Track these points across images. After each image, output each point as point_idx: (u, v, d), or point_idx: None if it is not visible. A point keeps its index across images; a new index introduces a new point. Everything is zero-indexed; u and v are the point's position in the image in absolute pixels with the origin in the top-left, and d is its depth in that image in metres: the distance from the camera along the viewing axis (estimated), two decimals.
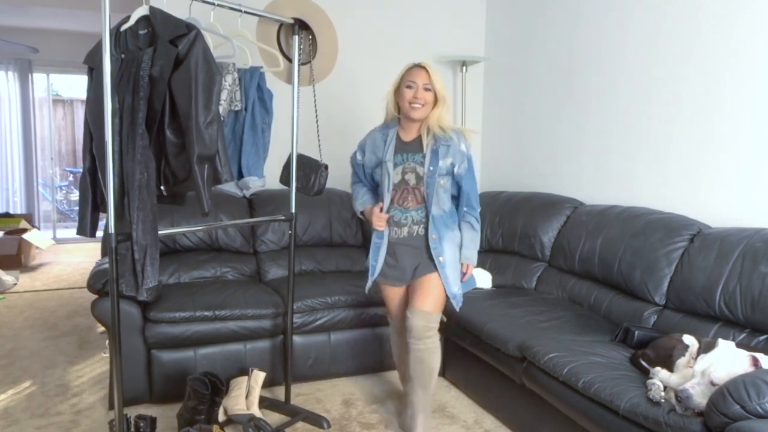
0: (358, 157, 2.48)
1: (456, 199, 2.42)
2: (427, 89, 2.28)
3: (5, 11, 5.86)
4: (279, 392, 2.81)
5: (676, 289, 2.43)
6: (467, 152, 2.35)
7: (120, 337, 2.03)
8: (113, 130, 1.86)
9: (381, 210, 2.36)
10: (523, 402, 2.45)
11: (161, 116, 1.96)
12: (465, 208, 2.39)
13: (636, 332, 2.30)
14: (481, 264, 3.38)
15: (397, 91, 2.34)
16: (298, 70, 2.61)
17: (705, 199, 2.64)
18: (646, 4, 2.93)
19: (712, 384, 1.68)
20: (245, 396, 2.53)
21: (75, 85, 8.60)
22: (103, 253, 3.11)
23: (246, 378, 2.60)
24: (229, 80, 2.59)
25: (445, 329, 2.87)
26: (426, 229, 2.34)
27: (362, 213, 2.51)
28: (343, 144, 3.29)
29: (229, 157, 2.27)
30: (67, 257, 6.26)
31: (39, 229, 6.51)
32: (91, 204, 2.09)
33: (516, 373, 2.43)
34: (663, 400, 1.80)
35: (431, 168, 2.29)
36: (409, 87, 2.28)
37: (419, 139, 2.35)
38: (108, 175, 1.87)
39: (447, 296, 2.35)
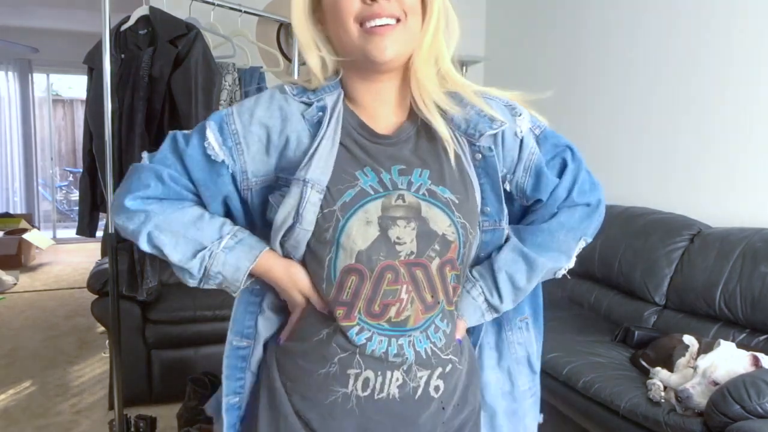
0: (213, 143, 0.87)
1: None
2: None
3: (5, 11, 5.86)
4: None
5: (676, 289, 2.42)
6: (535, 126, 0.99)
7: (120, 337, 2.03)
8: (113, 130, 1.86)
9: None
10: None
11: (161, 116, 1.96)
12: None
13: (636, 332, 2.30)
14: None
15: (319, 5, 0.87)
16: (298, 70, 2.61)
17: (705, 199, 2.64)
18: (648, 4, 2.93)
19: (713, 384, 1.68)
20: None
21: (75, 85, 8.59)
22: (103, 253, 3.11)
23: None
24: (229, 80, 2.59)
25: None
26: (462, 376, 0.91)
27: (250, 276, 0.89)
28: None
29: None
30: (67, 257, 6.26)
31: (39, 229, 6.51)
32: (91, 204, 2.09)
33: None
34: (663, 400, 1.80)
35: (488, 209, 0.91)
36: None
37: (413, 122, 0.90)
38: (108, 175, 1.87)
39: None
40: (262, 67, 2.78)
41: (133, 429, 2.21)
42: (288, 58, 2.69)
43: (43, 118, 7.51)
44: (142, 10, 2.01)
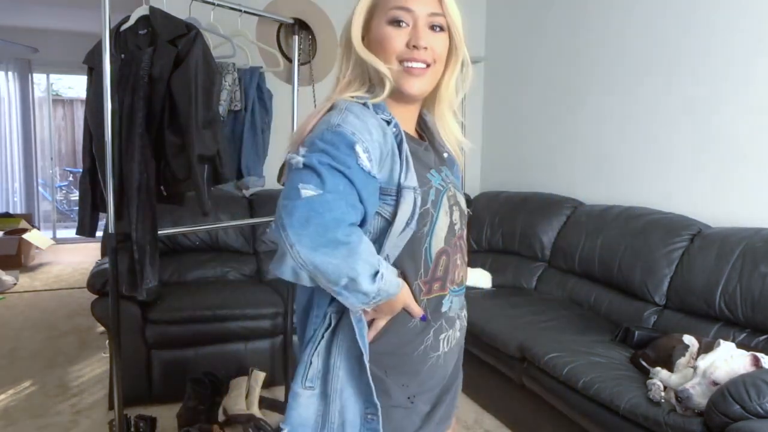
0: (363, 161, 0.94)
1: None
2: (437, 28, 1.03)
3: (5, 11, 5.86)
4: (279, 392, 2.81)
5: (676, 289, 2.42)
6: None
7: (120, 337, 2.03)
8: (113, 130, 1.86)
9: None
10: (523, 402, 2.45)
11: (161, 116, 1.96)
12: None
13: (636, 332, 2.30)
14: (481, 264, 3.38)
15: (368, 32, 1.05)
16: (298, 70, 2.61)
17: (705, 199, 2.64)
18: (646, 4, 2.93)
19: (713, 384, 1.68)
20: (245, 396, 2.53)
21: (75, 85, 8.59)
22: (103, 253, 3.11)
23: (246, 378, 2.60)
24: (229, 80, 2.59)
25: None
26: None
27: (370, 305, 0.98)
28: None
29: (229, 157, 2.26)
30: (67, 257, 6.26)
31: (39, 229, 6.51)
32: (91, 204, 2.09)
33: (516, 373, 2.43)
34: (663, 400, 1.80)
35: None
36: (396, 22, 1.01)
37: (426, 138, 1.16)
38: (108, 175, 1.87)
39: None
40: (262, 67, 2.78)
41: (133, 429, 2.21)
42: (288, 58, 2.69)
43: (43, 118, 7.50)
44: (142, 10, 2.00)
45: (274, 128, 3.10)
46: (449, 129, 1.13)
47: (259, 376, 2.58)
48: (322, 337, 1.03)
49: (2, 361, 3.28)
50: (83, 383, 2.98)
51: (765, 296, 2.08)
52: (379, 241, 0.99)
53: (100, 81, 1.86)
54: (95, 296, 2.68)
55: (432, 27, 1.02)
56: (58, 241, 6.74)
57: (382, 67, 1.01)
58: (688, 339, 2.02)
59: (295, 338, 2.87)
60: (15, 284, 5.01)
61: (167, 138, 1.98)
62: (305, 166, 0.90)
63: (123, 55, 1.99)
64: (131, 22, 2.01)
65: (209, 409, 2.48)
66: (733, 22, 2.50)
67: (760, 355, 1.74)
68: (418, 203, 0.99)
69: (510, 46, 3.98)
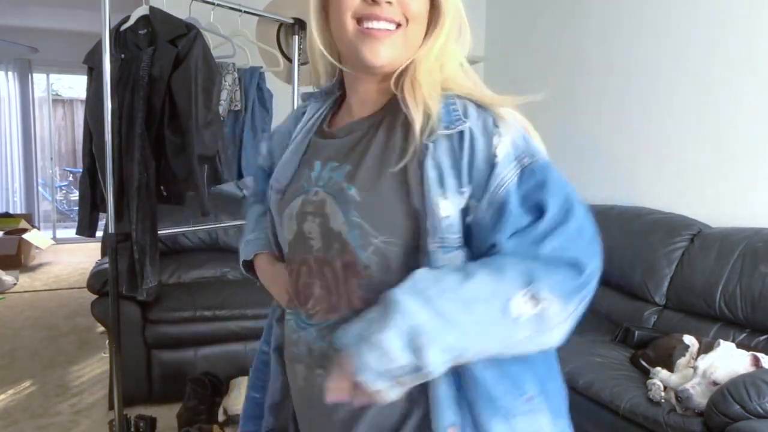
0: (261, 156, 1.05)
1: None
2: None
3: (5, 11, 5.86)
4: None
5: (676, 289, 2.42)
6: (524, 153, 0.76)
7: (120, 337, 2.02)
8: (113, 130, 1.86)
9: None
10: None
11: (161, 116, 1.96)
12: None
13: (636, 332, 2.30)
14: None
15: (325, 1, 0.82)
16: (298, 70, 2.61)
17: (705, 199, 2.64)
18: (646, 5, 2.93)
19: (713, 384, 1.68)
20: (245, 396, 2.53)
21: (75, 85, 8.59)
22: (103, 253, 3.11)
23: (246, 378, 2.60)
24: (229, 80, 2.59)
25: None
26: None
27: (248, 266, 1.01)
28: None
29: (229, 157, 2.26)
30: (67, 257, 6.25)
31: (39, 229, 6.50)
32: (91, 204, 2.09)
33: None
34: (663, 400, 1.80)
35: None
36: None
37: (377, 117, 0.82)
38: (108, 175, 1.87)
39: None
40: (262, 67, 2.78)
41: (133, 429, 2.21)
42: (288, 58, 2.69)
43: (43, 118, 7.50)
44: (142, 10, 2.01)
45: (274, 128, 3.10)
46: (424, 98, 0.75)
47: None
48: None
49: (2, 361, 3.28)
50: (83, 383, 2.98)
51: (765, 296, 2.08)
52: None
53: (100, 81, 1.86)
54: (95, 296, 2.68)
55: None
56: (58, 241, 6.73)
57: (315, 54, 0.84)
58: (688, 339, 2.02)
59: None
60: (15, 284, 5.00)
61: (167, 138, 1.98)
62: None
63: (123, 55, 1.99)
64: (131, 22, 2.01)
65: (209, 409, 2.48)
66: (734, 23, 2.49)
67: (760, 355, 1.74)
68: (271, 199, 0.91)
69: (510, 46, 3.98)
